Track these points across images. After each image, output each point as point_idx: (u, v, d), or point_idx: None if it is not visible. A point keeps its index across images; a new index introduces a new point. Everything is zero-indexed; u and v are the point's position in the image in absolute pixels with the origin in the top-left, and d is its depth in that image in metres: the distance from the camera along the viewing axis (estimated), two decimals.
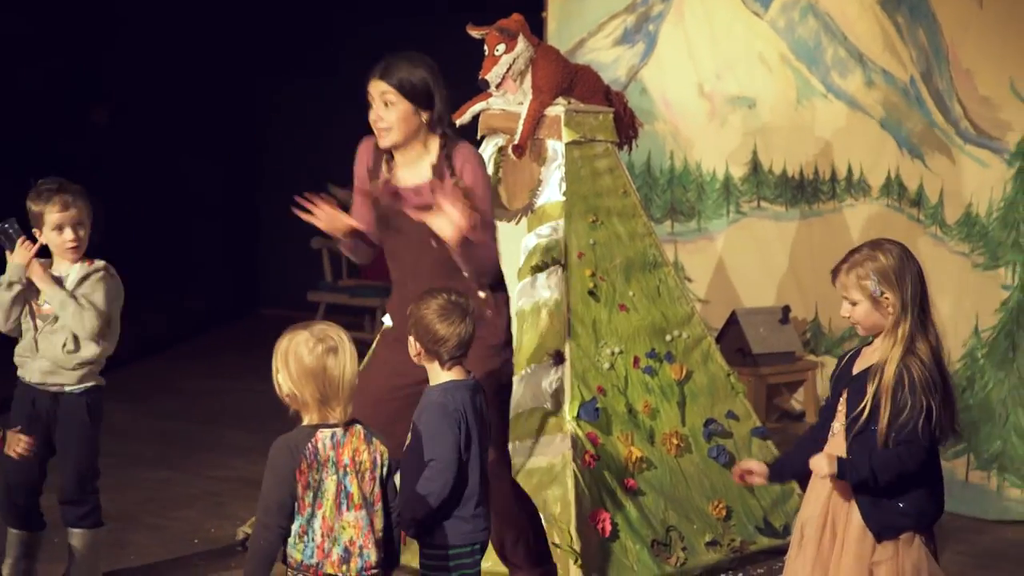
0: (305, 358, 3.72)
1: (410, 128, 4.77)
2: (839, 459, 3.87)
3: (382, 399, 4.67)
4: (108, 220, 5.27)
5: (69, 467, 5.21)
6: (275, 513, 3.73)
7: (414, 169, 4.82)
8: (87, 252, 5.16)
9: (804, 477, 4.10)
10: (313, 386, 3.71)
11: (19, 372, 5.16)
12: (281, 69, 11.42)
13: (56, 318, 5.09)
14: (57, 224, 5.07)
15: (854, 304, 3.97)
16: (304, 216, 4.78)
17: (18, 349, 5.16)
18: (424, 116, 4.76)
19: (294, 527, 3.73)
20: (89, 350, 5.15)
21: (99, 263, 5.18)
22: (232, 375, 9.42)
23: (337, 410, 3.73)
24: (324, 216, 4.80)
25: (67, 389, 5.15)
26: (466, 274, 4.71)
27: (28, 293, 5.10)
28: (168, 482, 6.86)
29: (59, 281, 5.10)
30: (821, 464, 3.88)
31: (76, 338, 5.10)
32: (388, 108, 4.75)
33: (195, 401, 8.62)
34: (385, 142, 4.81)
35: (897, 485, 3.87)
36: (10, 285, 5.06)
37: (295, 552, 3.73)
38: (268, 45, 11.30)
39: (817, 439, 4.07)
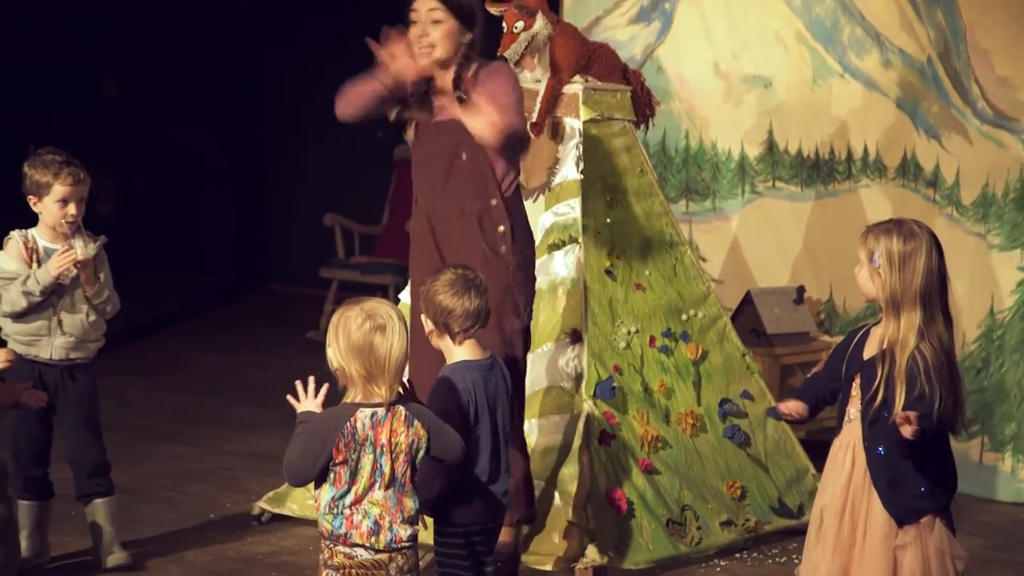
0: (353, 334, 3.73)
1: (453, 47, 4.83)
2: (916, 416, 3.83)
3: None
4: (120, 195, 5.28)
5: (93, 438, 5.24)
6: (291, 473, 3.81)
7: (445, 88, 4.90)
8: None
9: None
10: (359, 362, 3.73)
11: (25, 351, 5.10)
12: (290, 43, 11.40)
13: (72, 294, 5.09)
14: (63, 197, 5.07)
15: (859, 264, 4.00)
16: (377, 49, 4.77)
17: (26, 330, 5.09)
18: (467, 37, 4.82)
19: (325, 498, 3.76)
20: (104, 322, 5.19)
21: (102, 238, 5.20)
22: (244, 351, 9.44)
23: (383, 388, 3.74)
24: (400, 60, 4.78)
25: (77, 362, 5.16)
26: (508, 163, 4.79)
27: None
28: (182, 457, 6.87)
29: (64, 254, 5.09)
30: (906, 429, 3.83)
31: (93, 308, 5.12)
32: (434, 25, 4.78)
33: (207, 377, 8.64)
34: (426, 60, 4.84)
35: (914, 456, 3.88)
36: (43, 292, 5.04)
37: (325, 522, 3.77)
38: (277, 18, 11.28)
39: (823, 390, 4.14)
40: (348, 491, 3.74)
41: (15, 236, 5.13)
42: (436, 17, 4.81)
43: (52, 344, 5.12)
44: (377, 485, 3.75)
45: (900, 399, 3.84)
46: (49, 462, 5.26)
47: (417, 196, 5.04)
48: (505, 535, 4.80)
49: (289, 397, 3.88)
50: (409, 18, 4.91)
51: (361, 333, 3.73)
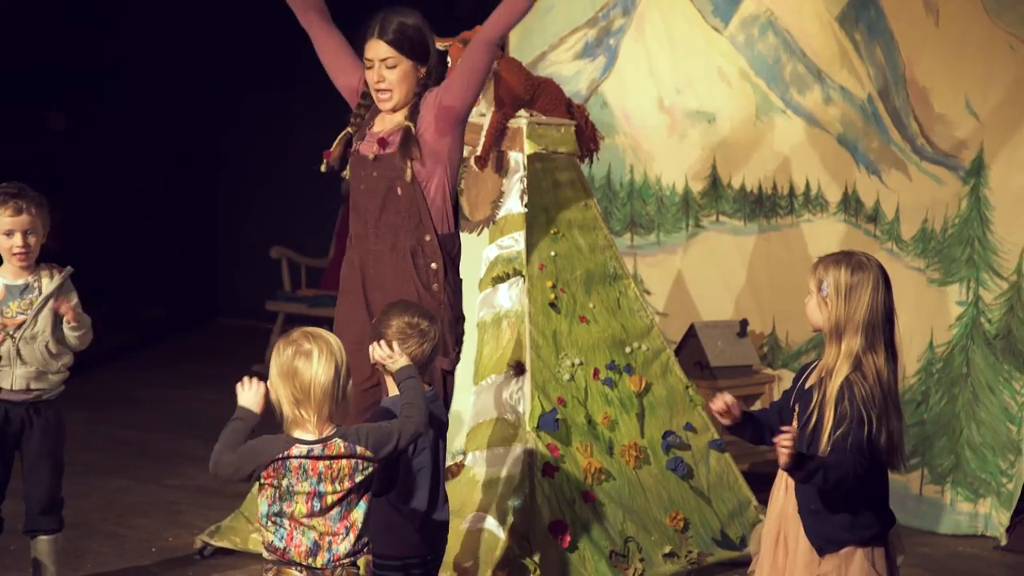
0: (279, 360, 3.77)
1: (411, 86, 4.82)
2: (800, 454, 3.88)
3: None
4: (66, 228, 5.26)
5: (51, 475, 5.20)
6: (218, 475, 3.79)
7: (392, 118, 4.86)
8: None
9: (756, 440, 4.12)
10: (286, 389, 3.75)
11: None
12: (241, 78, 11.41)
13: (33, 325, 5.06)
14: (7, 229, 5.05)
15: (809, 293, 4.04)
16: None
17: None
18: (422, 72, 4.82)
19: (264, 510, 3.77)
20: (69, 354, 5.15)
21: (68, 269, 5.16)
22: (190, 384, 9.40)
23: (311, 414, 3.74)
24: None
25: (44, 397, 5.13)
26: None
27: None
28: (125, 491, 6.84)
29: (26, 289, 5.07)
30: (785, 450, 3.85)
31: (55, 340, 5.09)
32: (390, 70, 4.77)
33: (152, 410, 8.60)
34: (388, 104, 4.82)
35: (839, 495, 3.91)
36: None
37: (268, 532, 3.77)
38: (228, 54, 11.29)
39: (772, 423, 4.10)
40: (282, 512, 3.75)
41: None
42: (390, 64, 4.77)
43: (13, 374, 5.08)
44: (317, 509, 3.75)
45: (828, 425, 3.88)
46: (3, 498, 5.21)
47: (351, 235, 4.98)
48: None
49: (238, 386, 3.87)
50: (364, 57, 4.87)
51: (285, 358, 3.76)
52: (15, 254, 5.05)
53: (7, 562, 5.48)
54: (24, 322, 5.04)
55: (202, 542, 5.87)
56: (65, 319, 5.06)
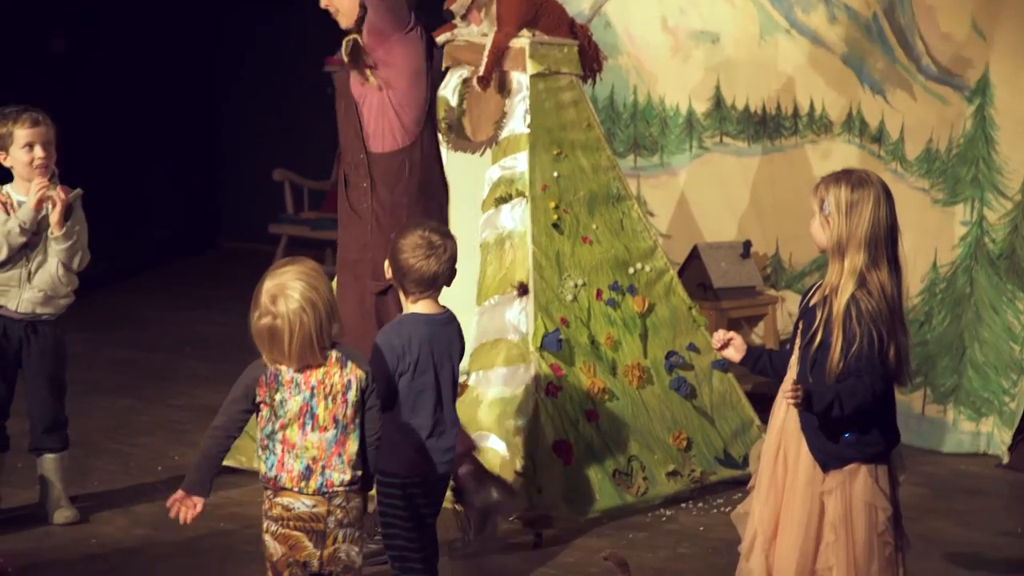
0: (254, 326, 3.71)
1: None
2: (806, 390, 3.90)
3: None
4: (67, 150, 5.28)
5: (52, 394, 5.25)
6: (224, 410, 3.77)
7: None
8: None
9: (764, 375, 4.21)
10: (263, 348, 3.71)
11: None
12: (243, 1, 11.33)
13: (44, 248, 5.07)
14: (27, 142, 5.07)
15: (813, 214, 4.03)
16: None
17: None
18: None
19: (259, 436, 3.76)
20: (76, 278, 5.17)
21: (77, 191, 5.16)
22: (193, 306, 9.41)
23: (290, 366, 3.71)
24: None
25: (44, 317, 5.15)
26: None
27: None
28: (130, 410, 6.88)
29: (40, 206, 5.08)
30: (792, 402, 3.92)
31: (64, 264, 5.11)
32: None
33: (156, 331, 8.62)
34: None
35: (854, 415, 3.92)
36: (24, 230, 5.03)
37: (260, 464, 3.77)
38: None
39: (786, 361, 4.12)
40: (275, 431, 3.72)
41: None
42: None
43: (20, 297, 5.11)
44: (309, 427, 3.73)
45: (838, 344, 3.88)
46: (8, 416, 5.25)
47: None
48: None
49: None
50: None
51: (261, 327, 3.68)
52: (38, 166, 5.06)
53: (14, 479, 5.51)
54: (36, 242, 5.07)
55: None
56: (51, 227, 5.06)
